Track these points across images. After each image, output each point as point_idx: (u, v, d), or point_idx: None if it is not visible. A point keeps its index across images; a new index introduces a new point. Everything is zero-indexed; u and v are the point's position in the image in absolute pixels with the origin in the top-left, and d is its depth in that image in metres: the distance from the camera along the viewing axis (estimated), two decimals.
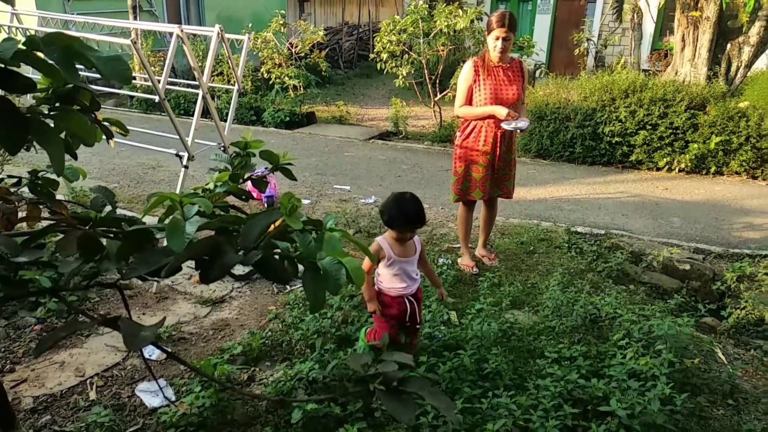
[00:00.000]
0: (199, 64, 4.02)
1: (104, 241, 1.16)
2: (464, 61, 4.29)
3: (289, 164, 1.66)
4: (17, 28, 4.85)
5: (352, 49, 17.40)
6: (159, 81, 3.61)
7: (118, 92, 8.73)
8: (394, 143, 9.43)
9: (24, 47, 0.98)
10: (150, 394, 2.83)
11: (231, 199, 1.51)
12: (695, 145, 7.36)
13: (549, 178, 7.40)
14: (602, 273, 4.40)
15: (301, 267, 1.12)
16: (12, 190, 1.40)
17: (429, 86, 9.59)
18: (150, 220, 1.27)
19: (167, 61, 3.75)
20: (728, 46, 8.44)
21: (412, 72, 9.48)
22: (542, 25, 14.91)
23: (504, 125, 3.94)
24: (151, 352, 3.19)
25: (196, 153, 3.96)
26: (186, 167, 3.90)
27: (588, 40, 12.62)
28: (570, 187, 7.02)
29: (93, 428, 2.53)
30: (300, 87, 10.61)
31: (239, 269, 4.24)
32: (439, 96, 9.60)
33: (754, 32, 8.10)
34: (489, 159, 4.13)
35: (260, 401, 2.74)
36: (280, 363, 3.11)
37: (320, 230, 1.14)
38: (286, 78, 10.44)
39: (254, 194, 5.54)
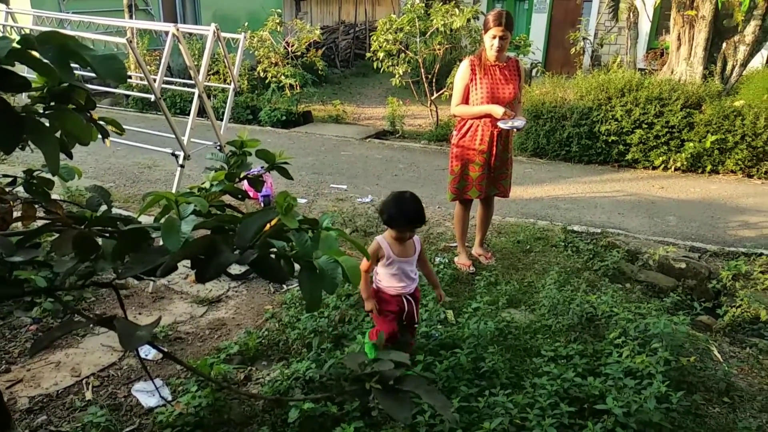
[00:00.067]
0: (195, 63, 4.00)
1: (100, 240, 1.15)
2: (461, 60, 4.29)
3: (286, 163, 1.66)
4: (12, 26, 4.82)
5: (348, 48, 17.39)
6: (155, 80, 3.60)
7: (114, 91, 8.70)
8: (390, 142, 9.42)
9: (19, 46, 0.97)
10: (146, 394, 2.83)
11: (227, 199, 1.51)
12: (691, 144, 7.38)
13: (545, 176, 7.41)
14: (598, 271, 4.41)
15: (297, 266, 1.12)
16: (7, 189, 1.40)
17: (425, 85, 9.59)
18: (146, 219, 1.26)
19: (163, 60, 3.74)
20: (724, 45, 8.47)
21: (409, 71, 9.48)
22: (538, 24, 14.92)
23: (500, 124, 3.94)
24: (148, 352, 3.19)
25: (192, 152, 3.95)
26: (182, 166, 3.89)
27: (584, 39, 12.64)
28: (566, 185, 7.03)
29: (89, 428, 2.52)
30: (296, 86, 10.60)
31: (235, 268, 4.24)
32: (435, 95, 9.60)
33: (750, 31, 8.13)
34: (485, 158, 4.13)
35: (257, 401, 2.73)
36: (276, 362, 3.11)
37: (316, 229, 1.13)
38: (283, 77, 10.43)
39: (251, 193, 5.54)
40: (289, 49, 11.06)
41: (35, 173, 1.45)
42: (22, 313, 3.16)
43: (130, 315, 3.56)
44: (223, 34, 4.06)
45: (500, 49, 3.95)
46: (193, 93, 3.96)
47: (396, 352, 1.14)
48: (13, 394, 2.80)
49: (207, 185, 1.46)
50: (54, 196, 1.47)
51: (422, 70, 9.46)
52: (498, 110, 3.91)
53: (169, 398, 2.78)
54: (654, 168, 7.72)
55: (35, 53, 1.01)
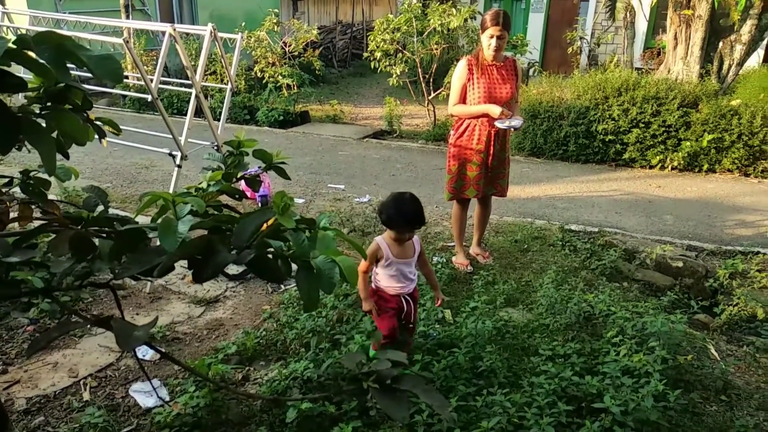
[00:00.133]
0: (192, 63, 4.00)
1: (97, 240, 1.15)
2: (458, 60, 4.29)
3: (283, 163, 1.66)
4: (8, 27, 4.81)
5: (345, 48, 17.39)
6: (152, 80, 3.60)
7: (111, 91, 8.69)
8: (388, 142, 9.43)
9: (15, 46, 0.97)
10: (144, 395, 2.82)
11: (225, 199, 1.51)
12: (688, 143, 7.40)
13: (543, 176, 7.42)
14: (596, 271, 4.41)
15: (294, 266, 1.12)
16: (3, 190, 1.39)
17: (423, 85, 9.59)
18: (143, 219, 1.26)
19: (160, 60, 3.73)
20: (720, 44, 8.49)
21: (406, 71, 9.48)
22: (535, 23, 14.93)
23: (498, 124, 3.95)
24: (145, 353, 3.18)
25: (189, 152, 3.95)
26: (179, 167, 3.89)
27: (581, 38, 12.65)
28: (563, 185, 7.04)
29: (87, 429, 2.52)
30: (294, 86, 10.59)
31: (233, 269, 4.24)
32: (432, 95, 9.61)
33: (746, 30, 8.15)
34: (483, 157, 4.14)
35: (255, 401, 2.73)
36: (274, 362, 3.11)
37: (314, 229, 1.14)
38: (280, 77, 10.42)
39: (248, 194, 5.53)
40: (287, 49, 11.05)
41: (32, 174, 1.44)
42: (20, 314, 3.15)
43: (127, 315, 3.56)
44: (220, 34, 4.06)
45: (498, 48, 3.95)
46: (191, 93, 3.96)
47: (393, 352, 1.14)
48: (10, 395, 2.80)
49: (204, 185, 1.46)
50: (51, 197, 1.47)
51: (419, 70, 9.46)
52: (495, 110, 3.91)
53: (167, 398, 2.77)
54: (651, 167, 7.74)
55: (31, 53, 1.01)
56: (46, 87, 1.18)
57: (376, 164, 7.85)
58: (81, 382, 2.93)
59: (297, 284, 1.08)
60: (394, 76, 9.29)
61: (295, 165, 7.33)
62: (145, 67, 6.68)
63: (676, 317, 3.14)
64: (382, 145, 9.18)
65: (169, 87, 8.51)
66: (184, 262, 1.09)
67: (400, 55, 9.36)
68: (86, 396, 2.82)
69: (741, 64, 8.48)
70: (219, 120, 4.38)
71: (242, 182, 1.71)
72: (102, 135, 1.45)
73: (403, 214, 2.71)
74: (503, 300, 3.72)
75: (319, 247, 1.11)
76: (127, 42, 3.51)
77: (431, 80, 9.58)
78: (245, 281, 4.10)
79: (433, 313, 3.40)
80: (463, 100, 4.11)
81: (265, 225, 1.09)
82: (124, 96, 10.30)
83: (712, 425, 2.70)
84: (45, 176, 1.43)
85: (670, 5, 8.64)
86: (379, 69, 9.49)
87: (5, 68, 0.99)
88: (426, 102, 9.75)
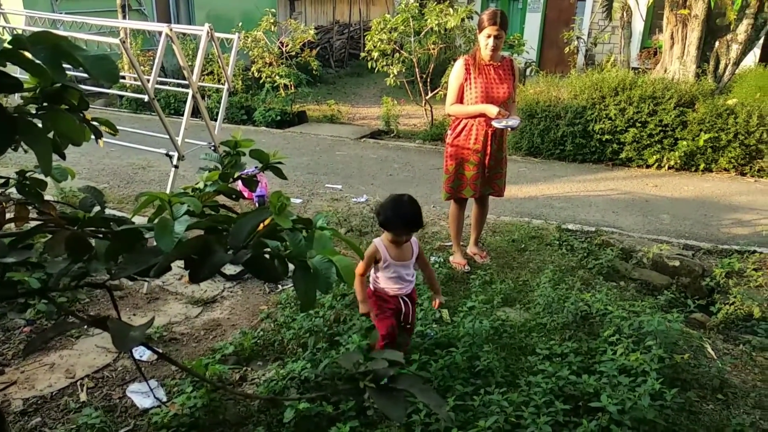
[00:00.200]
0: (189, 63, 4.00)
1: (93, 241, 1.15)
2: (455, 60, 4.29)
3: (280, 163, 1.66)
4: (4, 27, 4.80)
5: (343, 48, 17.38)
6: (148, 80, 3.59)
7: (108, 92, 8.67)
8: (385, 142, 9.43)
9: (10, 46, 0.97)
10: (141, 395, 2.82)
11: (222, 199, 1.51)
12: (684, 143, 7.42)
13: (540, 175, 7.43)
14: (593, 270, 4.42)
15: (291, 266, 1.12)
16: (0, 190, 1.39)
17: (420, 85, 9.60)
18: (140, 220, 1.26)
19: (156, 61, 3.73)
20: (716, 43, 8.51)
21: (403, 71, 9.49)
22: (532, 23, 14.96)
23: (495, 123, 3.95)
24: (142, 353, 3.18)
25: (186, 153, 3.95)
26: (176, 167, 3.89)
27: (578, 38, 12.68)
28: (561, 184, 7.05)
29: (84, 430, 2.52)
30: (291, 86, 10.58)
31: (230, 269, 4.23)
32: (430, 94, 9.61)
33: (742, 30, 8.17)
34: (480, 157, 4.14)
35: (252, 401, 2.73)
36: (272, 362, 3.11)
37: (310, 229, 1.14)
38: (277, 77, 10.41)
39: (245, 194, 5.53)
40: (284, 49, 11.04)
41: (28, 174, 1.44)
42: (16, 314, 3.15)
43: (124, 316, 3.55)
44: (217, 35, 4.06)
45: (495, 48, 3.96)
46: (187, 93, 3.95)
47: (390, 351, 1.14)
48: (7, 396, 2.79)
49: (201, 185, 1.46)
50: (48, 197, 1.47)
51: (417, 70, 9.46)
52: (492, 110, 3.92)
53: (164, 399, 2.77)
54: (648, 166, 7.75)
55: (27, 54, 1.00)
56: (42, 87, 1.18)
57: (373, 164, 7.85)
58: (78, 383, 2.92)
59: (294, 284, 1.08)
60: (392, 76, 9.29)
61: (292, 165, 7.33)
62: (141, 67, 6.66)
63: (672, 316, 3.14)
64: (380, 145, 9.18)
65: (166, 87, 8.50)
66: (180, 263, 1.09)
67: (397, 55, 9.36)
68: (83, 397, 2.82)
69: (737, 63, 8.50)
70: (216, 120, 4.38)
71: (239, 182, 1.71)
72: (98, 135, 1.45)
73: (401, 216, 2.70)
74: (500, 299, 3.73)
75: (316, 246, 1.11)
76: (124, 42, 3.50)
77: (428, 80, 9.58)
78: (242, 281, 4.10)
79: (430, 312, 3.41)
80: (460, 99, 4.12)
81: (261, 225, 1.09)
82: (121, 96, 10.28)
83: (708, 424, 2.70)
84: (41, 177, 1.43)
85: (667, 5, 8.66)
86: (376, 69, 9.49)
87: (1, 68, 0.99)
88: (423, 102, 9.76)
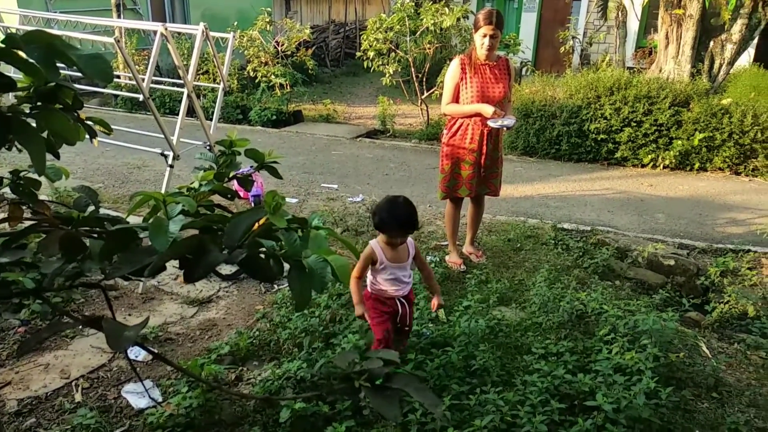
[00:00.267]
0: (184, 62, 3.98)
1: (87, 241, 1.15)
2: (451, 59, 4.30)
3: (275, 162, 1.65)
4: None
5: (338, 48, 17.38)
6: (143, 80, 3.58)
7: (103, 91, 8.65)
8: (381, 141, 9.43)
9: (3, 45, 0.97)
10: (136, 395, 2.81)
11: (217, 199, 1.50)
12: (679, 142, 7.44)
13: (535, 175, 7.44)
14: (588, 269, 4.43)
15: (287, 265, 1.12)
16: None
17: (416, 84, 9.60)
18: (135, 220, 1.26)
19: (151, 60, 3.72)
20: (711, 43, 8.54)
21: (399, 70, 9.49)
22: (528, 23, 14.97)
23: (490, 123, 3.96)
24: (137, 353, 3.17)
25: (181, 152, 3.94)
26: (171, 166, 3.87)
27: (573, 38, 12.70)
28: (556, 184, 7.06)
29: (79, 430, 2.51)
30: (286, 85, 10.57)
31: (226, 269, 4.22)
32: (426, 94, 9.61)
33: (737, 30, 8.20)
34: (476, 157, 4.15)
35: (248, 401, 2.73)
36: (267, 362, 3.10)
37: (305, 228, 1.13)
38: (273, 76, 10.40)
39: (241, 193, 5.52)
40: (279, 49, 11.03)
41: (22, 174, 1.43)
42: (10, 315, 3.14)
43: (119, 316, 3.54)
44: (212, 34, 4.05)
45: (491, 47, 3.96)
46: (183, 93, 3.94)
47: (386, 351, 1.14)
48: (1, 396, 2.78)
49: (196, 185, 1.45)
50: (42, 197, 1.46)
51: (412, 69, 9.47)
52: (488, 109, 3.92)
53: (160, 399, 2.76)
54: (643, 166, 7.78)
55: (21, 53, 1.00)
56: (36, 86, 1.18)
57: (369, 164, 7.85)
58: (73, 384, 2.91)
59: (289, 284, 1.08)
60: (387, 75, 9.29)
61: (288, 164, 7.32)
62: (136, 66, 6.64)
63: (667, 315, 3.16)
64: (376, 145, 9.18)
65: (161, 87, 8.48)
66: (176, 263, 1.09)
67: (393, 54, 9.36)
68: (78, 397, 2.81)
69: (732, 63, 8.53)
70: (211, 119, 4.37)
71: (234, 182, 1.71)
72: (93, 135, 1.44)
73: (396, 217, 2.69)
74: (496, 299, 3.73)
75: (311, 246, 1.11)
76: (119, 41, 3.49)
77: (424, 79, 9.59)
78: (238, 281, 4.09)
79: (426, 312, 3.41)
80: (456, 99, 4.12)
81: (256, 224, 1.09)
82: (116, 96, 10.25)
83: (703, 422, 2.71)
84: (35, 176, 1.43)
85: (662, 5, 8.69)
86: (372, 68, 9.49)
87: None
88: (419, 101, 9.76)
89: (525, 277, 4.19)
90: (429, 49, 9.36)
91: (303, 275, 1.07)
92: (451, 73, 4.10)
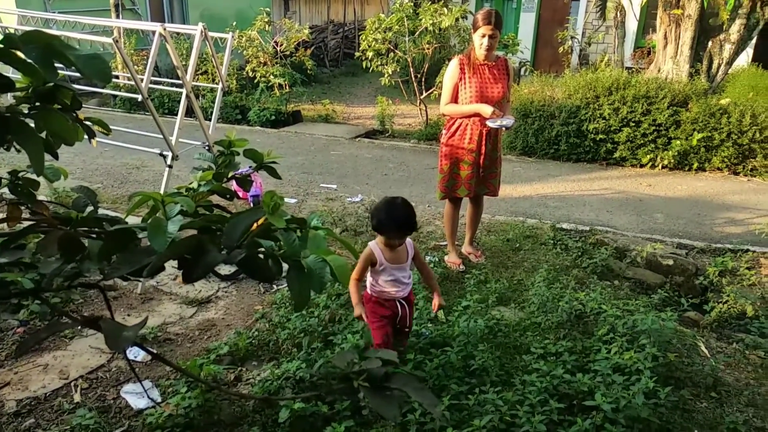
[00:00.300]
0: (183, 62, 3.98)
1: (86, 241, 1.15)
2: (450, 59, 4.30)
3: (274, 162, 1.65)
4: None
5: (337, 48, 17.38)
6: (142, 80, 3.58)
7: (101, 91, 8.64)
8: (380, 141, 9.43)
9: (2, 45, 0.97)
10: (135, 396, 2.81)
11: (216, 199, 1.50)
12: (678, 142, 7.45)
13: (534, 175, 7.44)
14: (587, 269, 4.43)
15: (285, 266, 1.12)
16: None
17: (415, 84, 9.60)
18: (134, 220, 1.26)
19: (150, 60, 3.71)
20: (710, 43, 8.55)
21: (398, 70, 9.49)
22: (527, 23, 14.98)
23: (489, 123, 3.96)
24: (136, 354, 3.17)
25: (180, 152, 3.93)
26: (170, 167, 3.87)
27: (572, 38, 12.70)
28: (555, 184, 7.06)
29: (78, 431, 2.51)
30: (285, 85, 10.57)
31: (225, 269, 4.22)
32: (424, 94, 9.62)
33: (735, 30, 8.21)
34: (475, 157, 4.15)
35: (247, 401, 2.73)
36: (267, 362, 3.10)
37: (304, 228, 1.13)
38: (272, 76, 10.40)
39: (240, 194, 5.52)
40: (278, 49, 11.02)
41: (20, 174, 1.43)
42: (9, 315, 3.14)
43: (119, 316, 3.54)
44: (210, 34, 4.05)
45: (489, 48, 3.96)
46: (181, 93, 3.94)
47: (385, 351, 1.14)
48: (0, 397, 2.78)
49: (195, 185, 1.45)
50: (41, 197, 1.46)
51: (411, 70, 9.47)
52: (487, 109, 3.92)
53: (159, 400, 2.76)
54: (641, 166, 7.78)
55: (19, 53, 1.00)
56: (34, 87, 1.18)
57: (368, 164, 7.85)
58: (72, 384, 2.91)
59: (288, 284, 1.08)
60: (386, 75, 9.29)
61: (287, 165, 7.32)
62: (135, 66, 6.63)
63: (666, 315, 3.16)
64: (375, 145, 9.18)
65: (160, 87, 8.46)
66: (175, 263, 1.09)
67: (391, 54, 9.36)
68: (77, 398, 2.81)
69: (730, 63, 8.54)
70: (210, 120, 4.37)
71: (233, 182, 1.71)
72: (91, 135, 1.44)
73: (394, 219, 2.67)
74: (495, 299, 3.73)
75: (310, 246, 1.11)
76: (117, 41, 3.49)
77: (423, 80, 9.59)
78: (237, 281, 4.09)
79: (425, 312, 3.41)
80: (454, 99, 4.12)
81: (255, 224, 1.09)
82: (115, 96, 10.25)
83: (702, 422, 2.72)
84: (34, 176, 1.43)
85: (660, 5, 8.70)
86: (371, 68, 9.49)
87: None
88: (418, 101, 9.76)
89: (524, 277, 4.19)
90: (428, 49, 9.37)
91: (302, 275, 1.07)
92: (450, 73, 4.10)
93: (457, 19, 8.68)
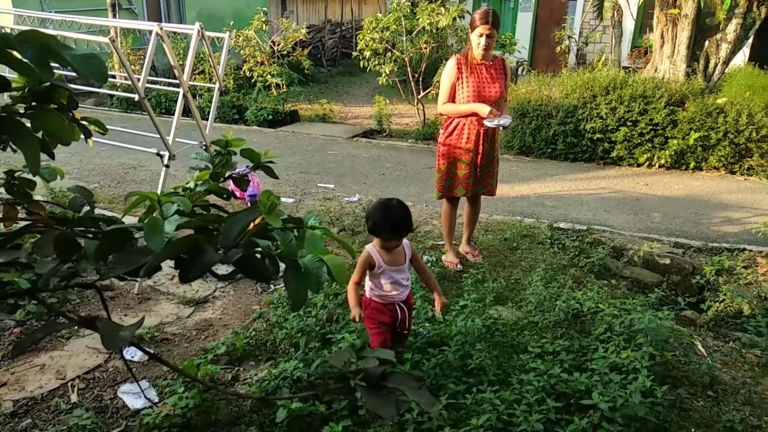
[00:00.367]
0: (180, 62, 3.98)
1: (82, 241, 1.14)
2: (447, 59, 4.30)
3: (271, 162, 1.65)
4: None
5: (335, 47, 17.37)
6: (139, 80, 3.57)
7: (98, 91, 8.63)
8: (377, 141, 9.43)
9: None
10: (133, 396, 2.81)
11: (213, 199, 1.50)
12: (675, 141, 7.46)
13: (531, 174, 7.45)
14: (584, 268, 4.44)
15: (282, 265, 1.12)
16: None
17: (412, 84, 9.60)
18: (130, 220, 1.26)
19: (147, 60, 3.71)
20: (706, 43, 8.56)
21: (396, 70, 9.49)
22: (524, 23, 15.00)
23: (487, 122, 3.96)
24: (133, 354, 3.17)
25: (177, 152, 3.93)
26: (167, 166, 3.87)
27: (569, 37, 12.72)
28: (552, 183, 7.07)
29: (75, 431, 2.50)
30: (283, 85, 10.56)
31: (222, 269, 4.21)
32: (422, 94, 9.62)
33: (731, 29, 8.23)
34: (472, 156, 4.15)
35: (245, 401, 2.73)
36: (264, 362, 3.10)
37: (301, 228, 1.13)
38: (269, 76, 10.38)
39: (237, 193, 5.51)
40: (275, 48, 11.01)
41: (16, 174, 1.43)
42: (6, 316, 3.12)
43: (116, 316, 3.54)
44: (208, 33, 4.04)
45: (487, 47, 3.97)
46: (178, 92, 3.94)
47: (382, 350, 1.15)
48: None
49: (192, 185, 1.45)
50: (37, 197, 1.46)
51: (409, 69, 9.47)
52: (484, 109, 3.93)
53: (156, 400, 2.76)
54: (638, 165, 7.80)
55: (15, 52, 1.00)
56: (30, 86, 1.17)
57: (365, 163, 7.85)
58: (69, 384, 2.91)
59: (284, 283, 1.08)
60: (384, 75, 9.29)
61: (284, 164, 7.31)
62: (132, 66, 6.62)
63: (663, 314, 3.17)
64: (372, 144, 9.18)
65: (157, 86, 8.45)
66: (172, 263, 1.09)
67: (389, 54, 9.36)
68: (74, 398, 2.80)
69: (727, 62, 8.56)
70: (207, 119, 4.36)
71: (230, 182, 1.70)
72: (88, 135, 1.44)
73: (389, 220, 2.64)
74: (493, 298, 3.74)
75: (307, 246, 1.11)
76: (114, 41, 3.48)
77: (420, 79, 9.59)
78: (234, 281, 4.09)
79: (423, 311, 3.41)
80: (452, 99, 4.12)
81: (252, 224, 1.09)
82: (112, 96, 10.22)
83: (699, 420, 2.72)
84: (30, 176, 1.42)
85: (657, 4, 8.71)
86: (368, 68, 9.48)
87: None
88: (415, 101, 9.76)
89: (521, 277, 4.20)
90: (425, 48, 9.37)
91: (299, 275, 1.07)
92: (448, 72, 4.10)
93: (454, 19, 8.69)
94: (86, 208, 1.26)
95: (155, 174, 6.55)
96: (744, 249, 4.99)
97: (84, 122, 1.41)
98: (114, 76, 7.12)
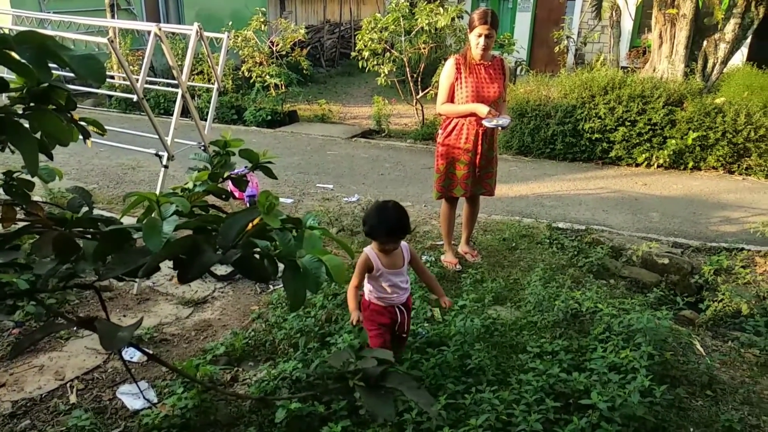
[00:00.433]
0: (179, 62, 3.98)
1: (81, 242, 1.14)
2: (446, 59, 4.31)
3: (269, 162, 1.65)
4: None
5: (333, 48, 17.37)
6: (137, 80, 3.57)
7: (97, 92, 8.61)
8: (376, 141, 9.43)
9: None
10: (131, 397, 2.81)
11: (212, 199, 1.50)
12: (673, 141, 7.47)
13: (530, 174, 7.46)
14: (583, 268, 4.44)
15: (281, 266, 1.12)
16: None
17: (411, 84, 9.60)
18: (129, 220, 1.26)
19: (145, 60, 3.71)
20: (704, 43, 8.58)
21: (394, 70, 9.49)
22: (523, 23, 15.01)
23: (485, 123, 3.97)
24: (132, 354, 3.17)
25: (176, 153, 3.93)
26: (166, 167, 3.87)
27: (568, 37, 12.72)
28: (551, 183, 7.08)
29: None
30: (281, 85, 10.56)
31: (221, 269, 4.21)
32: (421, 94, 9.62)
33: (730, 29, 8.24)
34: (471, 156, 4.15)
35: (244, 401, 2.73)
36: (263, 363, 3.10)
37: (300, 228, 1.13)
38: (268, 76, 10.38)
39: (236, 194, 5.51)
40: (274, 49, 11.01)
41: (15, 174, 1.43)
42: (4, 316, 3.12)
43: (114, 317, 3.54)
44: (206, 34, 4.04)
45: (486, 47, 3.97)
46: (177, 93, 3.93)
47: (380, 350, 1.15)
48: None
49: (190, 185, 1.45)
50: (35, 198, 1.46)
51: (407, 69, 9.47)
52: (483, 109, 3.93)
53: (155, 400, 2.76)
54: (637, 165, 7.80)
55: (13, 53, 1.00)
56: (29, 87, 1.17)
57: (364, 163, 7.85)
58: (67, 385, 2.90)
59: (283, 284, 1.08)
60: (382, 75, 9.29)
61: (283, 165, 7.31)
62: (131, 67, 6.62)
63: (662, 313, 3.17)
64: (371, 145, 9.18)
65: (156, 87, 8.45)
66: (171, 263, 1.09)
67: (388, 54, 9.36)
68: (73, 399, 2.80)
69: (725, 62, 8.57)
70: (206, 120, 4.36)
71: (229, 182, 1.70)
72: (86, 135, 1.44)
73: (386, 222, 2.63)
74: (491, 298, 3.74)
75: (306, 246, 1.11)
76: (112, 42, 3.48)
77: (419, 79, 9.59)
78: (233, 282, 4.09)
79: (422, 311, 3.41)
80: (451, 99, 4.13)
81: (250, 224, 1.09)
82: (110, 96, 10.20)
83: (697, 420, 2.73)
84: (28, 177, 1.42)
85: (655, 4, 8.72)
86: (367, 68, 9.48)
87: None
88: (414, 101, 9.76)
89: (520, 277, 4.20)
90: (424, 49, 9.37)
91: (297, 275, 1.07)
92: (446, 73, 4.10)
93: (453, 19, 8.69)
94: (85, 209, 1.26)
95: (154, 174, 6.55)
96: (742, 248, 5.00)
97: (82, 123, 1.41)
98: (112, 77, 7.11)
